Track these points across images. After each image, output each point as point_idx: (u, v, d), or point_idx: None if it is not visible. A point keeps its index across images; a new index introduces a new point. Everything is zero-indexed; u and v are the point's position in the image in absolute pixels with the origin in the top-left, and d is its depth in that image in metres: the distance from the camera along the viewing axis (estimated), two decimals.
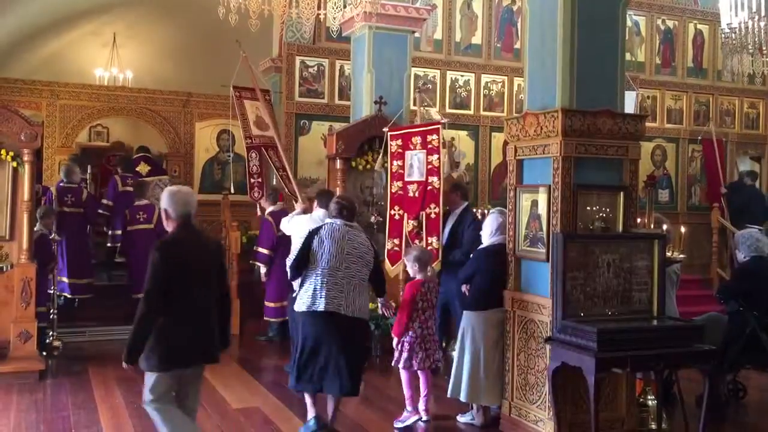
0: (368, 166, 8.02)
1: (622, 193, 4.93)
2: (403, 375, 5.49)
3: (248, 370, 7.16)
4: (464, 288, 5.74)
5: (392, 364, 5.62)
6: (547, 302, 4.80)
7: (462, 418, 5.52)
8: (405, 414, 5.50)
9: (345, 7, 6.61)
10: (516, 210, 5.18)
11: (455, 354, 5.61)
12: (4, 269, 6.69)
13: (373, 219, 8.17)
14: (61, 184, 8.88)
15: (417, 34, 9.46)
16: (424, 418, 5.45)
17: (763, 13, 8.61)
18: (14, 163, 6.74)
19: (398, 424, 5.44)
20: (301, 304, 5.07)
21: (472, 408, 5.47)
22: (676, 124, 12.75)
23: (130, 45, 13.47)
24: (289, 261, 5.74)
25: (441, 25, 11.17)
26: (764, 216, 10.94)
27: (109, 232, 9.49)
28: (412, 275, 5.66)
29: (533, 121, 4.97)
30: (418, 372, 5.50)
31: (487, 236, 5.54)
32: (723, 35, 9.29)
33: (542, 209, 4.91)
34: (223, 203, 10.13)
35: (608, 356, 4.34)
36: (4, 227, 6.78)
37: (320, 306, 4.95)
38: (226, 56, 11.68)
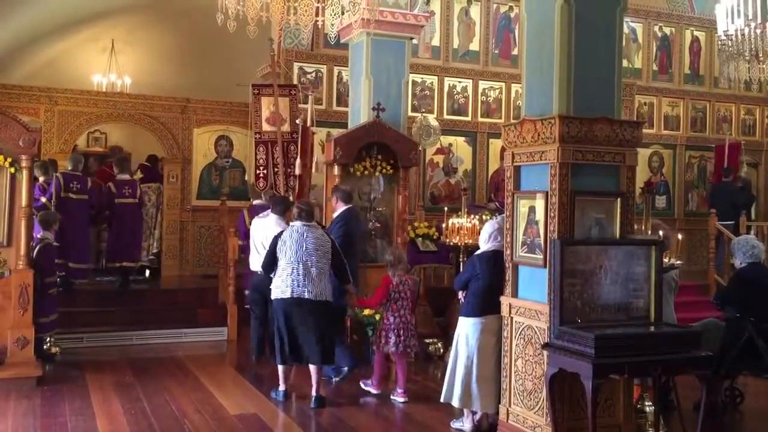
0: (366, 172, 8.03)
1: (619, 200, 4.94)
2: (376, 356, 6.39)
3: (245, 376, 7.16)
4: (460, 295, 5.74)
5: (372, 347, 6.54)
6: (544, 308, 4.81)
7: (455, 424, 5.52)
8: (368, 382, 6.39)
9: (343, 13, 6.62)
10: (514, 216, 5.19)
11: (449, 359, 5.61)
12: (4, 275, 6.69)
13: (371, 225, 8.19)
14: (67, 173, 9.11)
15: (415, 41, 9.48)
16: (401, 400, 6.13)
17: (759, 20, 8.65)
18: (12, 169, 6.75)
19: (362, 384, 6.44)
20: (273, 293, 6.09)
21: (463, 413, 5.47)
22: (673, 131, 12.80)
23: (128, 51, 13.47)
24: (251, 257, 7.35)
25: (439, 32, 11.23)
26: (726, 209, 10.84)
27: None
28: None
29: (531, 127, 4.99)
30: (394, 359, 6.32)
31: (483, 242, 5.55)
32: (720, 42, 9.33)
33: (540, 215, 4.92)
34: (221, 209, 10.13)
35: (606, 362, 4.34)
36: (2, 233, 6.76)
37: (287, 293, 5.96)
38: (224, 62, 11.75)
